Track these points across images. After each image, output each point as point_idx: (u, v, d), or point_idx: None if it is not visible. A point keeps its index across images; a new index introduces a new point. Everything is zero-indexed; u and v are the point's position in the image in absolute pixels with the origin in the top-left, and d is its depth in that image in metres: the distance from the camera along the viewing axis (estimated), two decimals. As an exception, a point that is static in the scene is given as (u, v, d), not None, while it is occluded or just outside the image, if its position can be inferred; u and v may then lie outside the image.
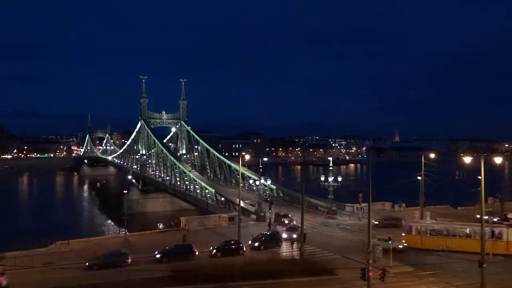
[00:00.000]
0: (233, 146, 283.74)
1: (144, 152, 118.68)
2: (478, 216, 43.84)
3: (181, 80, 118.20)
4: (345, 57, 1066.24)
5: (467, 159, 34.12)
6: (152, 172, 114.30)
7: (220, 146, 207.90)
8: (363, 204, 63.99)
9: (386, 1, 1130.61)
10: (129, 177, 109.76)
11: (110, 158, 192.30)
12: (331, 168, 66.83)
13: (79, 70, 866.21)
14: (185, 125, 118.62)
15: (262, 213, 59.80)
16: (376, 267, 30.21)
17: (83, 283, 32.58)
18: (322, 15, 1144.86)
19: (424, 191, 60.75)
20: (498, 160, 38.82)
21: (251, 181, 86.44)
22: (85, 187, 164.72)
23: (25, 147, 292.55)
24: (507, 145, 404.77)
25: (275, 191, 79.16)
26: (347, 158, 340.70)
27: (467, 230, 41.81)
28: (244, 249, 41.92)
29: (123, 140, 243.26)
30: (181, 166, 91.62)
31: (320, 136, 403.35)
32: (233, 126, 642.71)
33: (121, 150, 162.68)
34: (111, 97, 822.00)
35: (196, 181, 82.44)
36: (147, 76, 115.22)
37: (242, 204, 57.91)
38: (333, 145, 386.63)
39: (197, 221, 56.56)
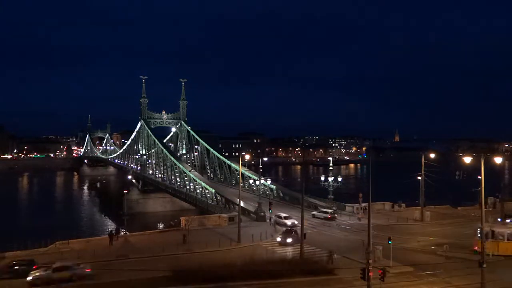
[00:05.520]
0: (233, 146, 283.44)
1: (144, 152, 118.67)
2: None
3: (181, 80, 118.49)
4: (345, 57, 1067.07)
5: (467, 159, 34.04)
6: (152, 172, 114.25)
7: (220, 146, 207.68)
8: (363, 204, 63.96)
9: (386, 1, 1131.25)
10: (129, 177, 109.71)
11: (110, 158, 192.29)
12: (331, 168, 66.70)
13: (79, 70, 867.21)
14: (185, 125, 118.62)
15: (262, 213, 59.79)
16: (376, 267, 30.18)
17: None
18: (321, 15, 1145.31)
19: (424, 191, 60.85)
20: (498, 160, 38.65)
21: (251, 181, 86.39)
22: (85, 187, 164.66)
23: (25, 147, 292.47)
24: (507, 145, 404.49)
25: (275, 191, 79.13)
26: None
27: None
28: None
29: (123, 140, 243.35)
30: (181, 166, 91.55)
31: (320, 136, 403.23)
32: (233, 126, 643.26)
33: (121, 150, 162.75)
34: (111, 97, 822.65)
35: (196, 181, 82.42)
36: (147, 76, 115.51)
37: (242, 204, 57.89)
38: (333, 145, 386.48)
39: (197, 221, 56.54)
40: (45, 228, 67.69)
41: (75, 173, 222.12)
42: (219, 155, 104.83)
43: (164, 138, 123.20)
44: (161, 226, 66.92)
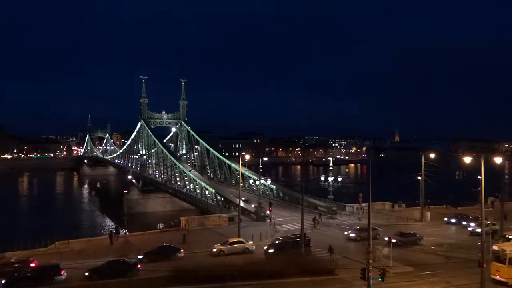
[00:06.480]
0: (233, 146, 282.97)
1: (144, 152, 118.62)
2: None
3: (181, 80, 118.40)
4: (345, 57, 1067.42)
5: (467, 159, 34.01)
6: (152, 172, 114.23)
7: (220, 146, 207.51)
8: (363, 204, 63.95)
9: (386, 2, 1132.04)
10: (129, 177, 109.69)
11: (110, 158, 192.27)
12: (331, 168, 66.67)
13: (79, 70, 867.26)
14: (185, 125, 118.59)
15: (262, 213, 59.81)
16: (376, 267, 30.14)
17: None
18: (321, 15, 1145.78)
19: (424, 191, 60.82)
20: (498, 160, 38.59)
21: (251, 181, 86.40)
22: (85, 187, 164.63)
23: (25, 147, 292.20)
24: (507, 145, 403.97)
25: (275, 191, 79.12)
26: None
27: None
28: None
29: (123, 140, 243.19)
30: (181, 166, 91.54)
31: (320, 136, 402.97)
32: (233, 126, 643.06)
33: (121, 150, 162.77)
34: (111, 97, 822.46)
35: (196, 181, 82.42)
36: (147, 76, 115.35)
37: (242, 204, 57.91)
38: (333, 145, 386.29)
39: (197, 221, 56.55)
40: (45, 228, 67.73)
41: (75, 173, 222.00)
42: (219, 155, 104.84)
43: (164, 138, 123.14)
44: (161, 226, 66.75)
